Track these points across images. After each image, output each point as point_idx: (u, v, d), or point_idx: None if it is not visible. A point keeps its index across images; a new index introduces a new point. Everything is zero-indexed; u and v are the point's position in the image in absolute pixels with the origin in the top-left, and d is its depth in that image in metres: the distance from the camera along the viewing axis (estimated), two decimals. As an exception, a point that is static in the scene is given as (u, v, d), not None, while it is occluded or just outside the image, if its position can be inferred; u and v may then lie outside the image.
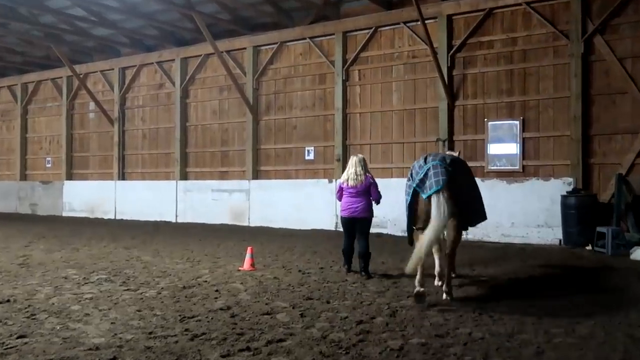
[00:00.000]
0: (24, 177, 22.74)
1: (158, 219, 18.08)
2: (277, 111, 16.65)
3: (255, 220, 16.28)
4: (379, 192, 8.23)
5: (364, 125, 15.14)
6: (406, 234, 7.16)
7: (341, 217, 8.32)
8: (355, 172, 8.16)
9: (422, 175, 6.51)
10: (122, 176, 19.89)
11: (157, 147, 19.21)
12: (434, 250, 7.06)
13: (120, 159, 19.92)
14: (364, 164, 8.26)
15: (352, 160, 8.29)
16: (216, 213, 16.97)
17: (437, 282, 7.24)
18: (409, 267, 6.06)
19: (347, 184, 8.19)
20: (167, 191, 18.18)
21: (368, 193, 8.18)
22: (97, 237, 13.28)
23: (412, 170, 6.77)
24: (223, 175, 17.63)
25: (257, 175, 16.82)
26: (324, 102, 15.81)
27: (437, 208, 6.15)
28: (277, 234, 14.26)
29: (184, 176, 18.32)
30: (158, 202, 18.24)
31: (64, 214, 20.67)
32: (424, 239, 6.05)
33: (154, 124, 19.33)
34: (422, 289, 6.29)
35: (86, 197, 20.14)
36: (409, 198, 6.64)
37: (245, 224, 16.41)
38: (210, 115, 18.01)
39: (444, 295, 6.51)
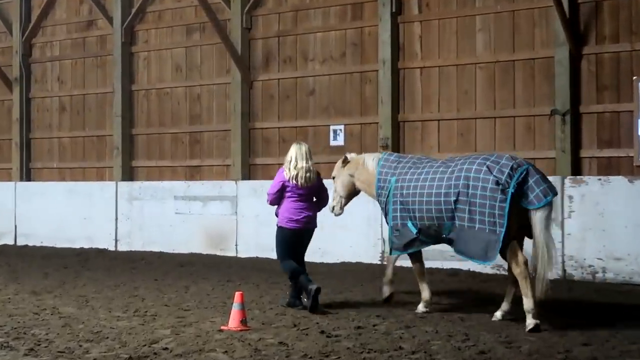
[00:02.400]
0: None
1: (86, 246, 18.13)
2: (283, 66, 16.66)
3: (248, 247, 16.28)
4: (328, 195, 10.38)
5: (427, 88, 15.07)
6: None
7: (286, 229, 10.08)
8: (308, 169, 9.83)
9: (519, 179, 8.73)
10: (27, 175, 20.05)
11: (85, 126, 19.33)
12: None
13: (24, 146, 20.06)
14: (311, 156, 9.99)
15: (299, 151, 9.85)
16: (182, 236, 17.00)
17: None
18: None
19: (296, 183, 9.85)
20: (101, 199, 18.22)
21: (313, 196, 10.10)
22: (-14, 276, 13.38)
23: (497, 175, 8.79)
24: (193, 174, 17.69)
25: (250, 172, 16.84)
26: (360, 50, 15.79)
27: (547, 219, 8.74)
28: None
29: (129, 175, 18.42)
30: (86, 217, 18.30)
31: None
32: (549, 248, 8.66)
33: (78, 87, 19.45)
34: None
35: (-32, 209, 20.33)
36: (506, 205, 8.70)
37: (231, 253, 16.43)
38: (171, 74, 18.07)
39: (530, 321, 8.56)
